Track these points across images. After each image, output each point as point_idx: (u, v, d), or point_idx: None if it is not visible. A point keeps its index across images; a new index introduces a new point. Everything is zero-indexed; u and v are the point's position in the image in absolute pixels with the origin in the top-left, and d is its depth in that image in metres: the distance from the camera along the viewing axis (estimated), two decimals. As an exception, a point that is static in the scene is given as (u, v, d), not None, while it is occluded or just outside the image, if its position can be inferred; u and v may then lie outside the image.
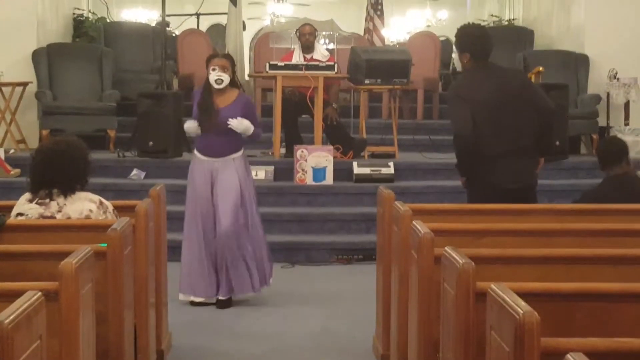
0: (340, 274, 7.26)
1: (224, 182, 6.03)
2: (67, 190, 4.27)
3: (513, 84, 5.31)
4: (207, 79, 6.06)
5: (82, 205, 4.27)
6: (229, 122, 5.95)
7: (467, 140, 5.23)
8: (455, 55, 5.42)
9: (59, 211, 4.24)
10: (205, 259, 6.08)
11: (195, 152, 6.19)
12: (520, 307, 2.37)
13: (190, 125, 6.12)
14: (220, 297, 6.07)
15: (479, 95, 5.19)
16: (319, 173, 8.33)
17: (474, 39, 5.34)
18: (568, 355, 1.99)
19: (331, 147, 8.59)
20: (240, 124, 5.97)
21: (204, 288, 6.08)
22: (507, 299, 2.47)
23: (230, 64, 6.09)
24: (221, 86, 6.02)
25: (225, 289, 6.07)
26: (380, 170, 8.52)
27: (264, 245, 6.27)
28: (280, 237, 7.78)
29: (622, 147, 5.61)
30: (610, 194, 5.35)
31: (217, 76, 5.99)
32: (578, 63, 10.18)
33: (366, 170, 8.51)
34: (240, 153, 6.12)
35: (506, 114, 5.19)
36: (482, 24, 12.85)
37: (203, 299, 6.09)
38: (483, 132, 5.15)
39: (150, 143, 8.84)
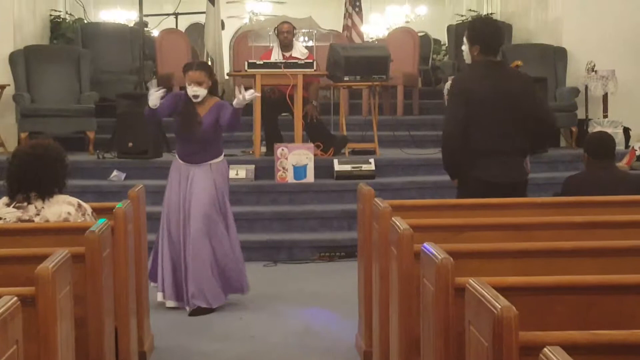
0: (323, 272, 7.26)
1: (198, 187, 5.95)
2: (45, 193, 4.24)
3: (514, 87, 5.24)
4: (187, 91, 6.03)
5: (60, 208, 4.24)
6: (238, 99, 5.83)
7: (454, 144, 5.21)
8: (465, 47, 5.34)
9: (37, 214, 4.21)
10: (169, 261, 6.00)
11: (176, 155, 6.18)
12: (498, 301, 2.36)
13: (153, 95, 5.97)
14: (188, 308, 5.95)
15: (478, 90, 5.16)
16: (299, 171, 8.33)
17: (487, 32, 5.31)
18: (545, 349, 1.98)
19: (312, 145, 8.58)
20: (244, 99, 5.82)
21: (171, 293, 6.00)
22: (485, 293, 2.47)
23: (207, 74, 5.99)
24: (198, 100, 5.97)
25: (188, 299, 5.93)
26: (361, 167, 8.52)
27: (237, 251, 6.10)
28: (262, 236, 7.78)
29: (612, 145, 5.66)
30: (593, 174, 5.49)
31: (193, 92, 5.94)
32: (556, 56, 10.22)
33: (347, 167, 8.51)
34: (219, 159, 6.07)
35: (503, 114, 5.16)
36: (460, 18, 12.99)
37: (174, 304, 6.00)
38: (477, 128, 5.13)
39: (130, 144, 8.80)
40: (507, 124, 5.16)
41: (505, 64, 5.40)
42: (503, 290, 2.53)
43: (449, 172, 5.39)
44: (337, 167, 8.50)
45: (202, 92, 5.95)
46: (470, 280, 2.63)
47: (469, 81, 5.28)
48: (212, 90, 6.08)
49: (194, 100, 5.96)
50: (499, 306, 2.34)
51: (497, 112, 5.14)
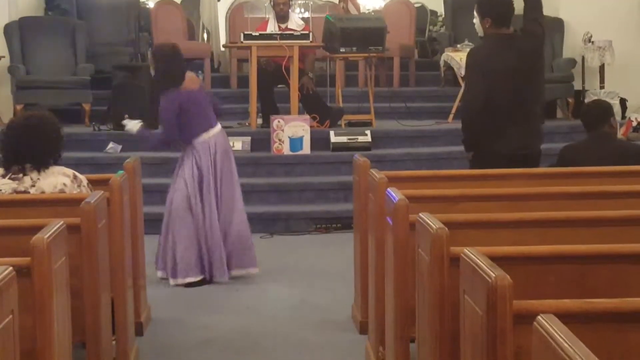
0: (319, 243, 7.27)
1: (181, 167, 6.02)
2: (41, 164, 4.24)
3: (527, 57, 5.25)
4: None
5: (55, 180, 4.24)
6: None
7: (475, 117, 5.23)
8: (476, 21, 5.32)
9: (33, 186, 4.21)
10: (163, 230, 6.04)
11: None
12: (493, 270, 2.37)
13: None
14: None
15: (496, 64, 5.18)
16: (296, 143, 8.32)
17: (497, 4, 5.30)
18: (539, 317, 1.99)
19: (308, 117, 8.56)
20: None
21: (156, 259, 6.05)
22: (480, 263, 2.47)
23: (154, 59, 6.17)
24: None
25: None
26: (357, 139, 8.52)
27: (218, 233, 6.01)
28: (259, 208, 7.78)
29: (606, 109, 5.67)
30: (590, 145, 5.51)
31: None
32: (553, 27, 10.15)
33: (343, 139, 8.50)
34: (199, 139, 5.98)
35: (521, 82, 5.19)
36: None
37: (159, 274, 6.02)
38: (496, 101, 5.14)
39: (126, 116, 8.75)
40: (524, 95, 5.20)
41: (517, 34, 5.36)
42: (498, 259, 2.53)
43: (466, 145, 5.40)
44: (333, 138, 8.49)
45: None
46: (465, 250, 2.63)
47: (483, 55, 5.30)
48: (165, 79, 6.05)
49: None
50: (494, 275, 2.34)
51: (516, 82, 5.18)
